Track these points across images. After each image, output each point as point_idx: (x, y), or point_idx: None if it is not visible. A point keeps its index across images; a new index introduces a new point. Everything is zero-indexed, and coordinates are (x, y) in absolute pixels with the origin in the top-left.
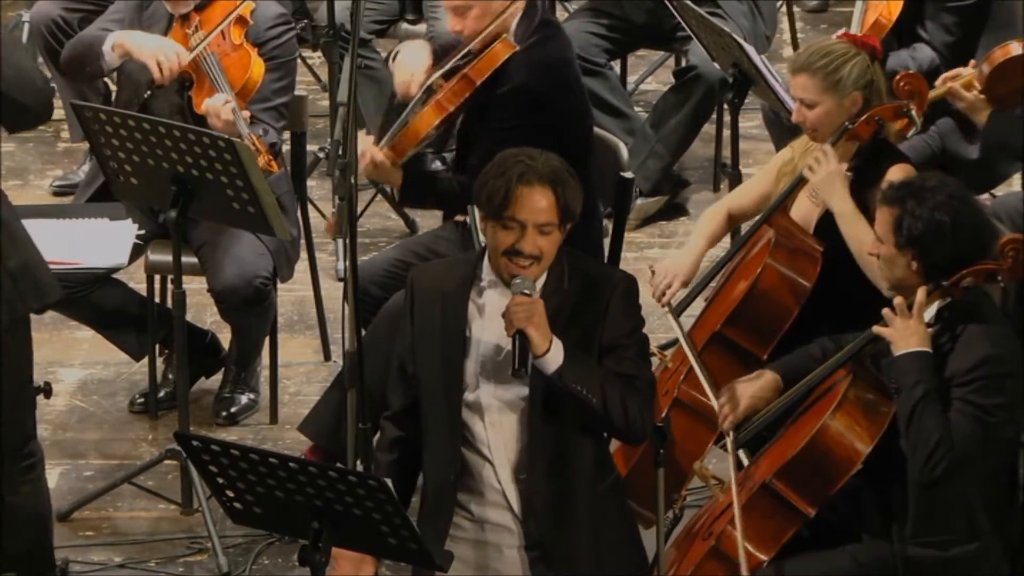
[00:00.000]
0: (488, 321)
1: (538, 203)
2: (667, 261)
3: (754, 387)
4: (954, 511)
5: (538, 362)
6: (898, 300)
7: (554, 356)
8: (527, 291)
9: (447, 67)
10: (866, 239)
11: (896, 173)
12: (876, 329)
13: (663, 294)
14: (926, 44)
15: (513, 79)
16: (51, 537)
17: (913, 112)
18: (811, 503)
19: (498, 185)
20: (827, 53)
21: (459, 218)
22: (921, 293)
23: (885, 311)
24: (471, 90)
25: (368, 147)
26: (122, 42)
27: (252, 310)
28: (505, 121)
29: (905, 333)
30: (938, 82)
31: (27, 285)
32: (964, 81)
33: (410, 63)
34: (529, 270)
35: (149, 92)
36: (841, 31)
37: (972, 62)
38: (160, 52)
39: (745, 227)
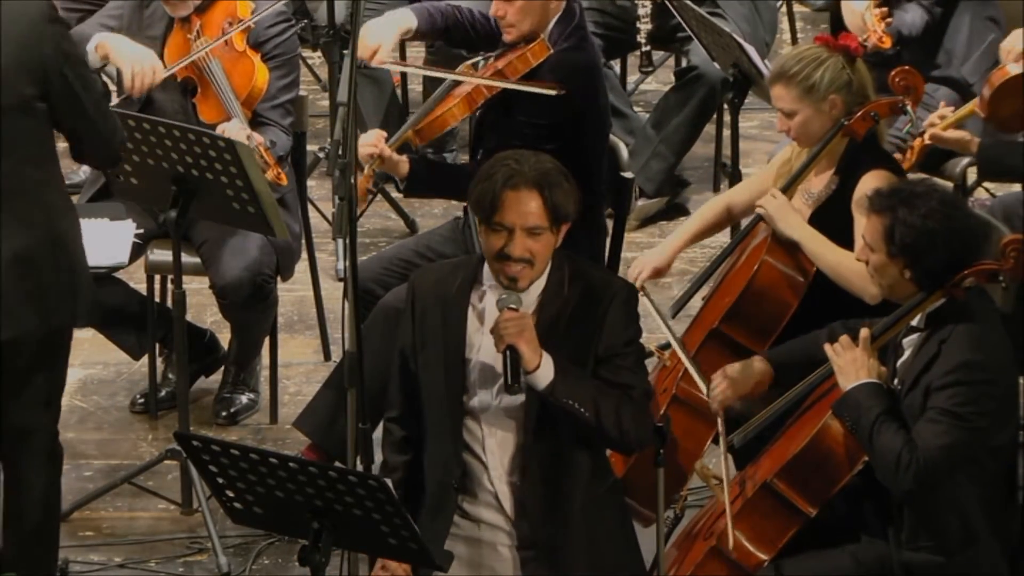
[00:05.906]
0: (488, 326)
1: (525, 206)
2: (645, 254)
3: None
4: (949, 515)
5: (529, 378)
6: (844, 337)
7: (544, 372)
8: (513, 306)
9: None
10: (833, 259)
11: (871, 180)
12: (830, 364)
13: (635, 279)
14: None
15: (544, 79)
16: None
17: (909, 107)
18: (812, 503)
19: (485, 189)
20: (799, 59)
21: (460, 214)
22: (864, 331)
23: (828, 349)
24: (503, 85)
25: (376, 144)
26: (104, 43)
27: (254, 307)
28: (528, 117)
29: (852, 368)
30: (926, 134)
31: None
32: (946, 123)
33: (380, 33)
34: (522, 273)
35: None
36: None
37: (943, 103)
38: (136, 63)
39: (743, 224)
